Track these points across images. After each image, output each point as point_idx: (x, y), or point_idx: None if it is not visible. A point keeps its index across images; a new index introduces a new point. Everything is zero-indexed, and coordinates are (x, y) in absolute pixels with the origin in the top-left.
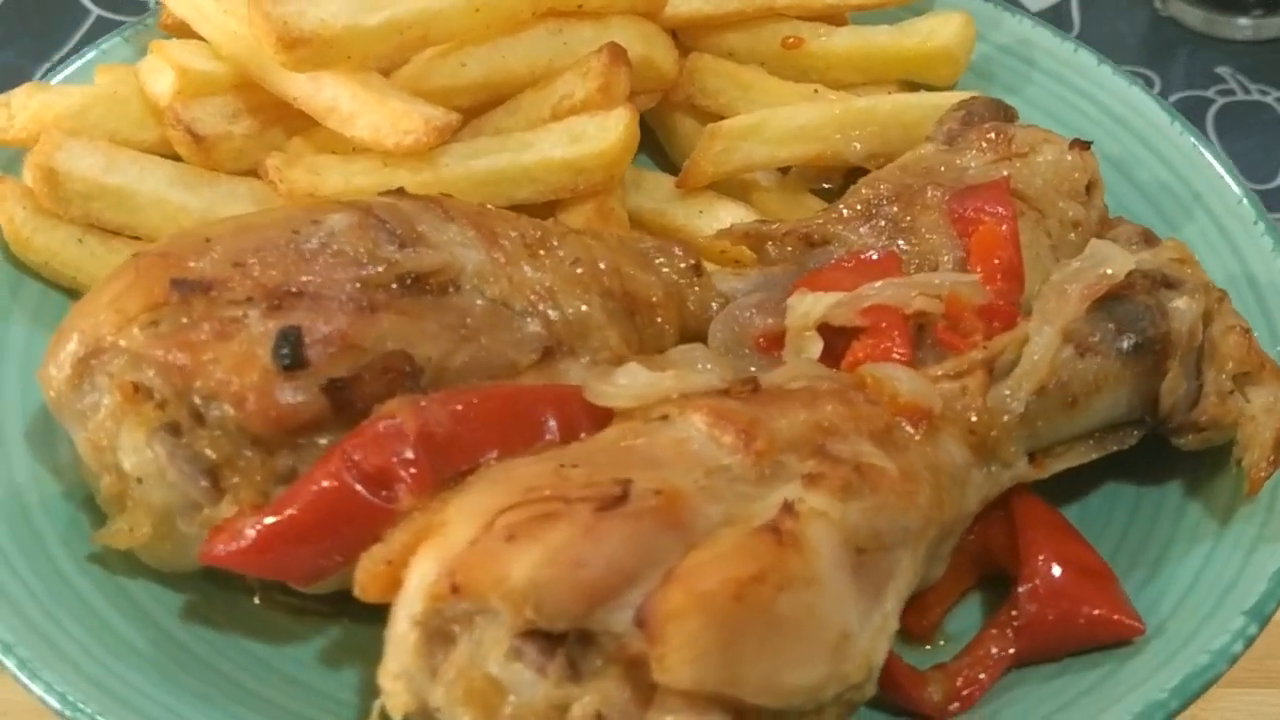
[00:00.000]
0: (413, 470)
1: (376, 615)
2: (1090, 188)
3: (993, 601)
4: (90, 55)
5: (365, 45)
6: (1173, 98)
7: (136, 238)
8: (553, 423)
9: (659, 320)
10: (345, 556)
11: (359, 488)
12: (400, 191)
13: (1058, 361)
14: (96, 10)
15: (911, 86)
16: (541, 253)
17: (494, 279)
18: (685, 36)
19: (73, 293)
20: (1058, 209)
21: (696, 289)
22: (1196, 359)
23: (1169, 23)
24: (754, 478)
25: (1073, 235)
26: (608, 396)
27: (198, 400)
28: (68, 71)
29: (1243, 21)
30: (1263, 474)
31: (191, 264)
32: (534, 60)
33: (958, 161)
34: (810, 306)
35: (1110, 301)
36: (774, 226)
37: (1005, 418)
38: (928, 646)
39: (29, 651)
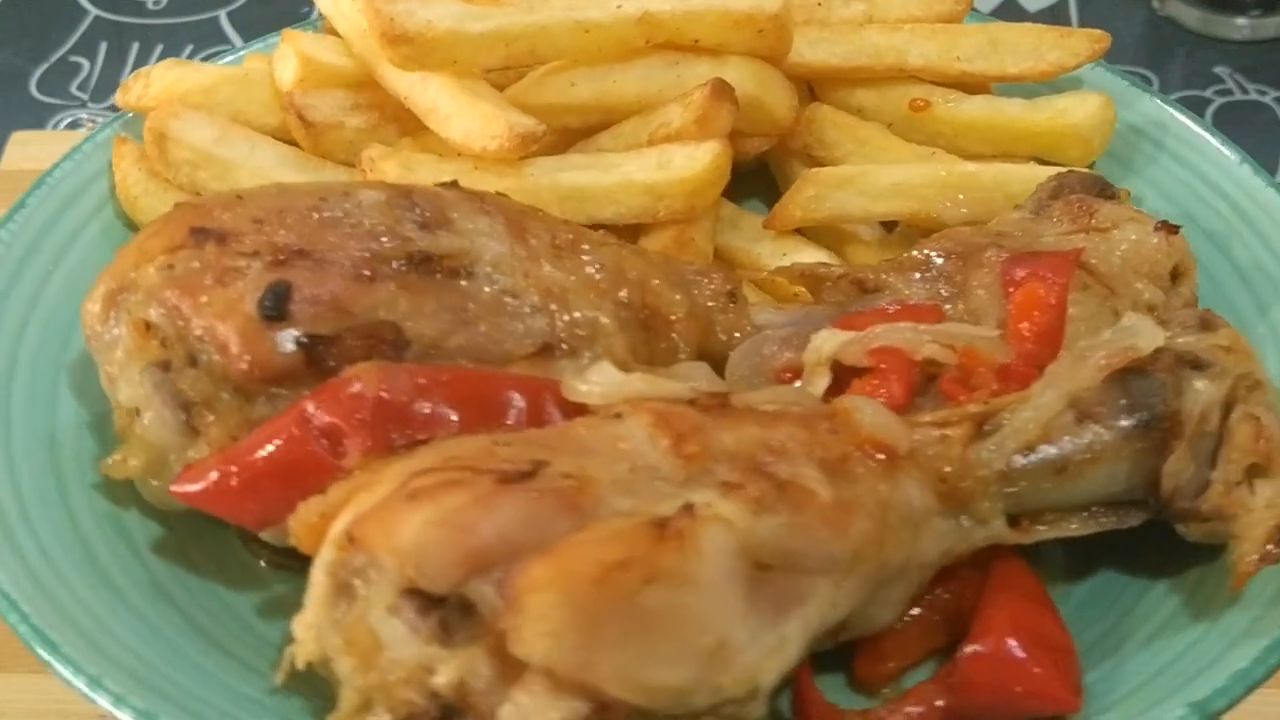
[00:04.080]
0: (365, 431)
1: None
2: (1178, 274)
3: None
4: (256, 46)
5: (470, 52)
6: (1170, 98)
7: None
8: (518, 409)
9: (674, 337)
10: (293, 507)
11: (312, 441)
12: (454, 184)
13: (1053, 425)
14: (94, 10)
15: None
16: (567, 255)
17: (509, 272)
18: (820, 89)
19: None
20: (1132, 289)
21: (729, 315)
22: (1214, 446)
23: (1166, 23)
24: (679, 480)
25: (1171, 317)
26: (578, 393)
27: (194, 342)
28: (231, 57)
29: (1240, 21)
30: (1249, 568)
31: (217, 215)
32: (643, 88)
33: (1036, 229)
34: (824, 342)
35: (1129, 375)
36: (831, 269)
37: (981, 471)
38: (873, 696)
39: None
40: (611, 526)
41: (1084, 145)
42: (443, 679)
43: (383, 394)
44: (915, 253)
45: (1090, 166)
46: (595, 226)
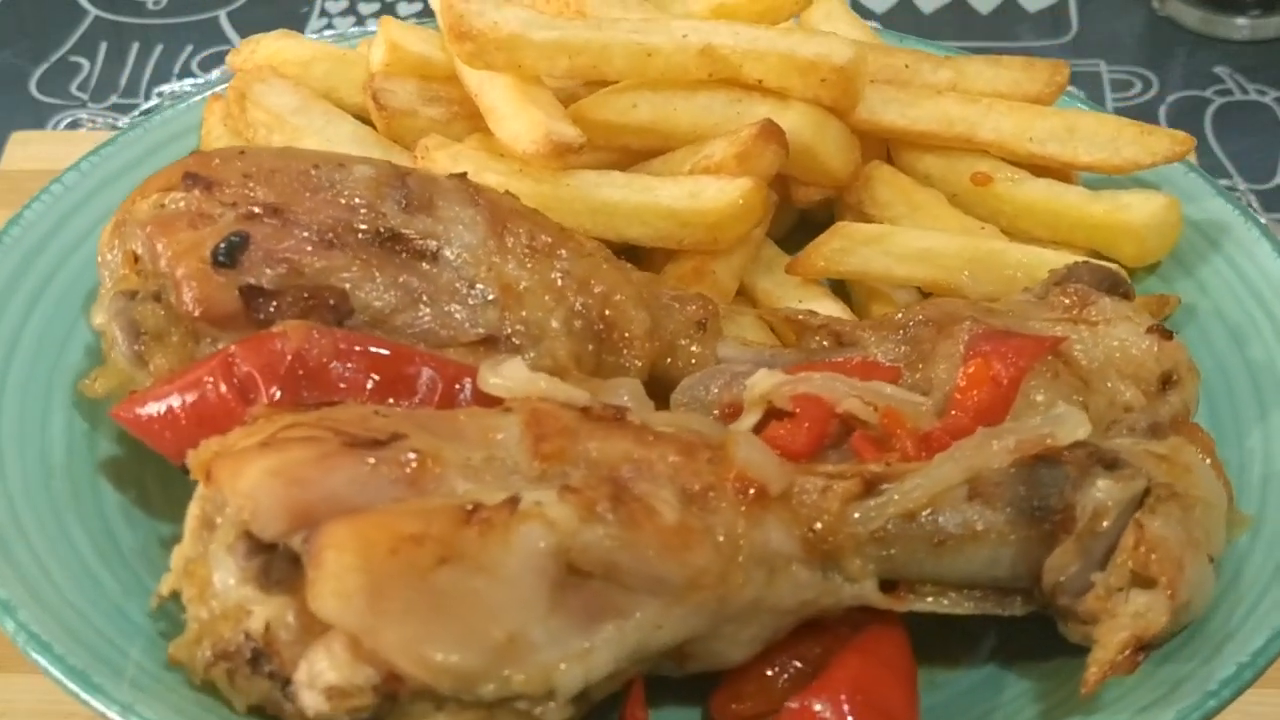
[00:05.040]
0: (276, 384)
1: None
2: (1170, 382)
3: None
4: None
5: (533, 58)
6: (1170, 98)
7: None
8: (431, 390)
9: (626, 353)
10: None
11: (228, 386)
12: (463, 175)
13: (943, 497)
14: (94, 10)
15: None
16: (540, 257)
17: (474, 262)
18: (893, 149)
19: None
20: (1108, 388)
21: (692, 344)
22: (1109, 549)
23: (1166, 23)
24: (532, 476)
25: (1120, 419)
26: (485, 383)
27: (162, 278)
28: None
29: (1240, 21)
30: (1097, 675)
31: (214, 164)
32: (701, 120)
33: (1028, 312)
34: (760, 381)
35: (1038, 463)
36: (815, 317)
37: (855, 529)
38: None
39: None
40: (426, 503)
41: (1139, 244)
42: (255, 623)
43: (302, 352)
44: (899, 314)
45: (1153, 267)
46: (625, 246)
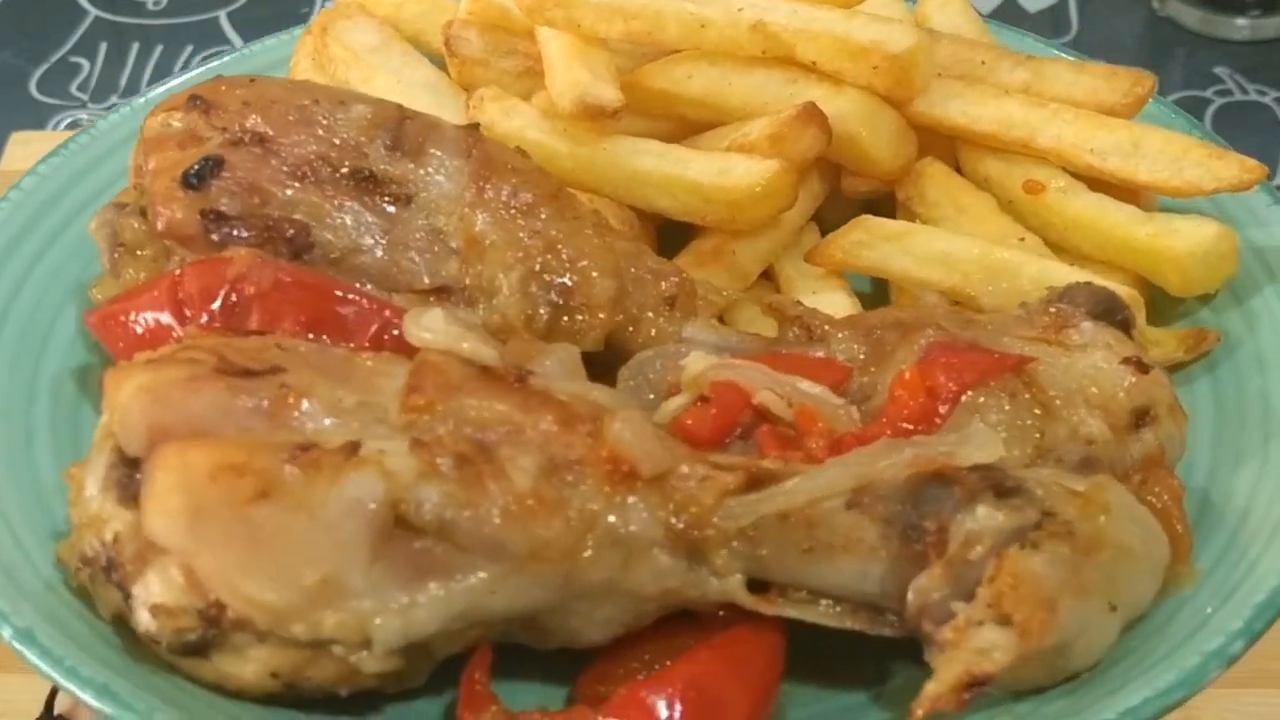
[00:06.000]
0: (209, 306)
1: None
2: (1145, 418)
3: None
4: None
5: (590, 18)
6: (1170, 98)
7: None
8: (358, 329)
9: (581, 319)
10: None
11: (169, 306)
12: (475, 126)
13: (821, 504)
14: (94, 10)
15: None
16: (515, 214)
17: (447, 211)
18: (958, 148)
19: None
20: (1071, 417)
21: (658, 320)
22: (977, 579)
23: (1166, 23)
24: (396, 425)
25: (1080, 450)
26: (408, 332)
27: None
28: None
29: (1240, 22)
30: (923, 707)
31: (222, 90)
32: (752, 97)
33: (1008, 327)
34: (691, 364)
35: (930, 481)
36: (793, 309)
37: (724, 523)
38: None
39: None
40: (265, 437)
41: (1182, 273)
42: (108, 533)
43: (240, 279)
44: (871, 315)
45: (1205, 298)
46: (655, 217)
